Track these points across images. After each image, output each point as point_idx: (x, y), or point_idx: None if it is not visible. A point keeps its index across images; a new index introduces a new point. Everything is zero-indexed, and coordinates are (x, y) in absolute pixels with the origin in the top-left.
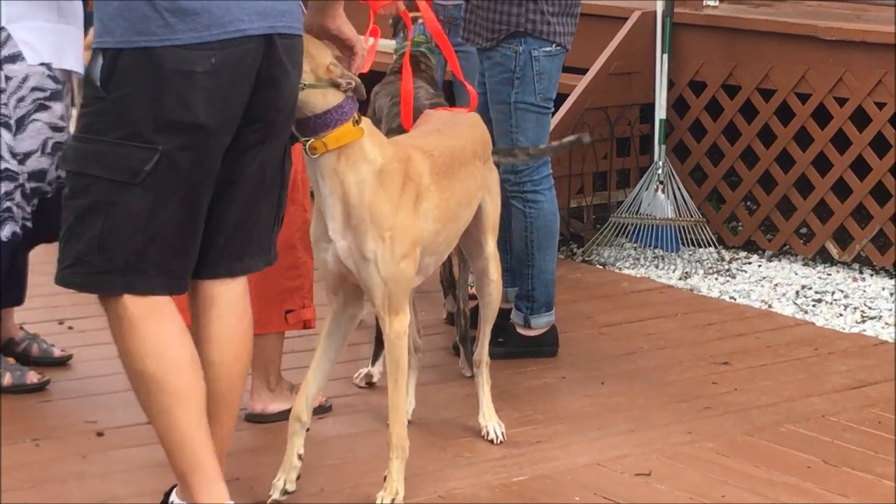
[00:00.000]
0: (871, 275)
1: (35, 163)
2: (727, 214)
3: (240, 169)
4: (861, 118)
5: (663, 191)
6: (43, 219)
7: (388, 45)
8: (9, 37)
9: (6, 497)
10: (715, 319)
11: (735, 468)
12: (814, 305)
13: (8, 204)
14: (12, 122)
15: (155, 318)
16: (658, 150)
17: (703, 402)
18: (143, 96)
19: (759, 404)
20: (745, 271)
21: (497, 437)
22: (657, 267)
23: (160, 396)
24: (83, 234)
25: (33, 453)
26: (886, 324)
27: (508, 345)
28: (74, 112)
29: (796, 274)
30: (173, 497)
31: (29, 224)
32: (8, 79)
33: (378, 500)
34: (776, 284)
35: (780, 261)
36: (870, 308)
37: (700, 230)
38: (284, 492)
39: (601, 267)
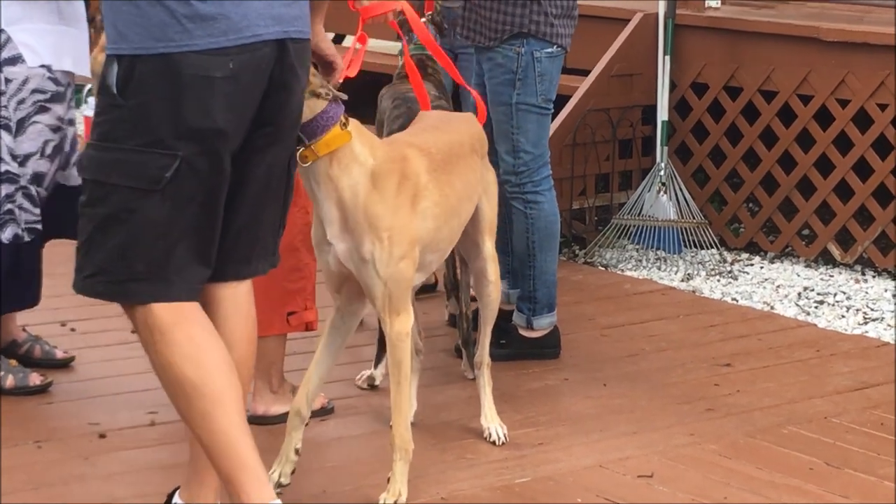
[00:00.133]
0: (874, 276)
1: (34, 165)
2: (729, 216)
3: (248, 172)
4: (863, 120)
5: (665, 192)
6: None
7: (396, 46)
8: (8, 39)
9: (8, 498)
10: (717, 321)
11: (737, 470)
12: (816, 307)
13: (9, 206)
14: (12, 124)
15: (185, 324)
16: (660, 151)
17: (705, 404)
18: (161, 103)
19: (761, 406)
20: (748, 273)
21: (499, 439)
22: (659, 269)
23: (200, 402)
24: (105, 243)
25: (35, 455)
26: (889, 325)
27: (511, 346)
28: (76, 114)
29: (798, 275)
30: (176, 499)
31: (39, 227)
32: (8, 81)
33: (381, 502)
34: (778, 286)
35: (782, 262)
36: (872, 310)
37: (702, 232)
38: (279, 485)
39: (603, 269)
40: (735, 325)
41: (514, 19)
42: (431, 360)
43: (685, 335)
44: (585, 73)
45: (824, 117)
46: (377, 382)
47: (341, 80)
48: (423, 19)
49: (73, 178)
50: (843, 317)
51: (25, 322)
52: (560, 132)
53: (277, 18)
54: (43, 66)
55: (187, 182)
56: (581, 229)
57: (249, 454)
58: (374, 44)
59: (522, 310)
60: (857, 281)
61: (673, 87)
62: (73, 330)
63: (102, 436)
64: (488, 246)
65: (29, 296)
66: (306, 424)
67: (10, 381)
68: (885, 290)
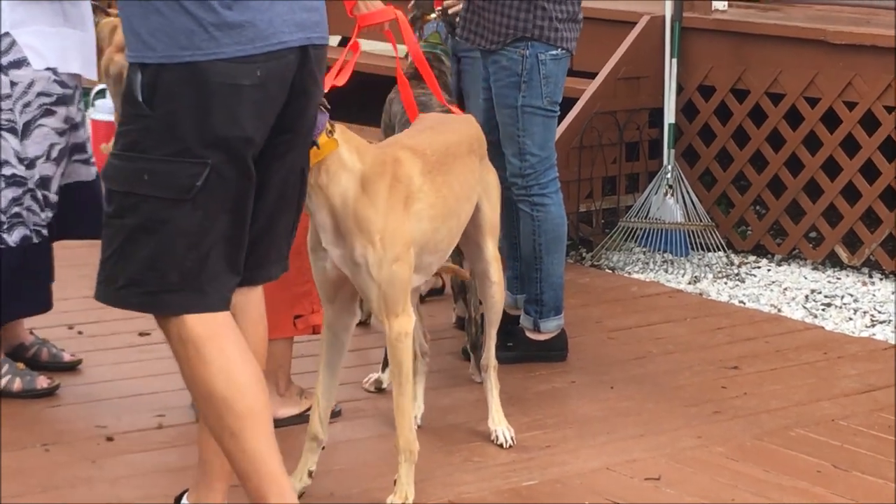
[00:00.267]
0: (881, 279)
1: (40, 168)
2: (736, 218)
3: (267, 178)
4: (870, 122)
5: (672, 195)
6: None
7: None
8: (13, 42)
9: (16, 501)
10: (724, 324)
11: (744, 472)
12: (823, 309)
13: (17, 209)
14: (18, 127)
15: (218, 338)
16: (667, 154)
17: (712, 407)
18: (189, 111)
19: (769, 408)
20: (755, 275)
21: (506, 442)
22: (666, 271)
23: (230, 419)
24: (136, 254)
25: (43, 458)
26: None
27: (518, 349)
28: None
29: (805, 278)
30: (184, 501)
31: (45, 232)
32: (13, 84)
33: None
34: (785, 288)
35: (789, 265)
36: (879, 312)
37: (709, 234)
38: None
39: (610, 271)
40: (742, 328)
41: (518, 23)
42: (438, 362)
43: (692, 338)
44: (592, 75)
45: (831, 120)
46: (385, 385)
47: (327, 90)
48: (433, 16)
49: (75, 173)
50: (850, 319)
51: (33, 325)
52: (567, 135)
53: (300, 25)
54: (48, 68)
55: (217, 190)
56: (588, 232)
57: (279, 471)
58: (375, 45)
59: (529, 312)
60: (864, 283)
61: (680, 89)
62: (80, 333)
63: (110, 439)
64: (490, 247)
65: (40, 300)
66: (323, 448)
67: (17, 385)
68: (893, 293)
